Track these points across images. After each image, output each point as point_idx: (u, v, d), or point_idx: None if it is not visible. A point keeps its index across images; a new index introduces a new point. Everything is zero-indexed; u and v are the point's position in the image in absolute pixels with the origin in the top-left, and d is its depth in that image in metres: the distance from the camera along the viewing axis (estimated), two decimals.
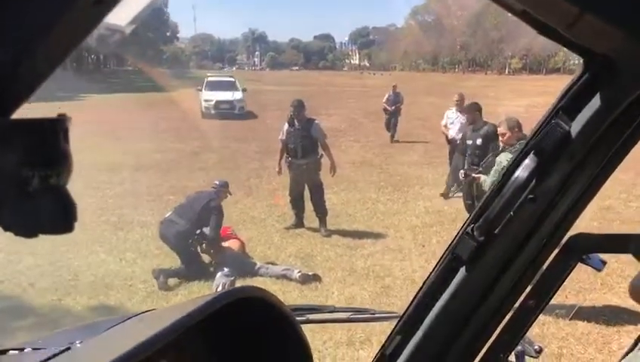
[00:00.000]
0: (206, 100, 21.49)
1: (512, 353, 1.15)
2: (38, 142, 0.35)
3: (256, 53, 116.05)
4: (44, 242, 6.58)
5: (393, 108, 15.42)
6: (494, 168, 5.20)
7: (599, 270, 1.06)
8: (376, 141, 15.50)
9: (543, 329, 4.54)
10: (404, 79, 38.51)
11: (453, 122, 9.33)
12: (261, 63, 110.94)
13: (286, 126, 7.51)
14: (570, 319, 4.75)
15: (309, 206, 7.57)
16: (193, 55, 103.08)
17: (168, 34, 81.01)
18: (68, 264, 6.10)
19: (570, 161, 0.92)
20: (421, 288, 1.12)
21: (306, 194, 7.57)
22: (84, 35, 0.38)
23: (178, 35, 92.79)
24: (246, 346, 0.97)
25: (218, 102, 21.26)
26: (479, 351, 1.13)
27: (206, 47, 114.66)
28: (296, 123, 7.40)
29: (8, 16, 0.34)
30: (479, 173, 5.90)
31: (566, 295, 5.11)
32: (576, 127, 0.88)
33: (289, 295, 5.36)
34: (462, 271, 1.05)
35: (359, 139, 15.82)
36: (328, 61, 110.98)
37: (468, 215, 1.05)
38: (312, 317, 1.37)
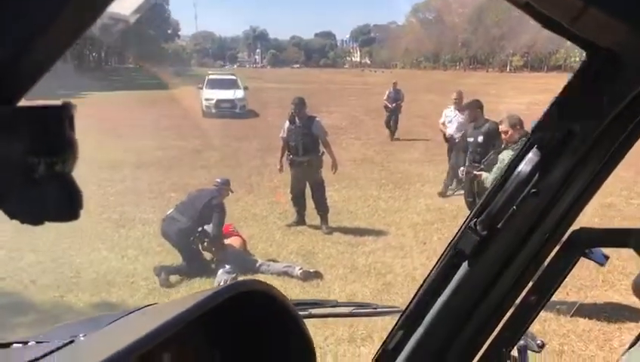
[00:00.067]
0: (207, 99, 21.04)
1: (515, 347, 1.15)
2: (43, 129, 0.35)
3: (257, 50, 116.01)
4: (46, 239, 6.61)
5: (394, 105, 15.41)
6: (497, 166, 5.20)
7: (602, 264, 1.06)
8: (377, 138, 15.49)
9: (544, 326, 4.55)
10: (405, 77, 38.44)
11: (452, 120, 9.31)
12: (262, 61, 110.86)
13: (287, 123, 7.50)
14: (572, 316, 4.75)
15: (310, 203, 7.57)
16: (194, 53, 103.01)
17: (169, 31, 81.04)
18: (70, 261, 6.11)
19: (572, 156, 0.92)
20: (423, 283, 1.12)
21: (308, 191, 7.57)
22: (88, 24, 0.38)
23: (179, 33, 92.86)
24: (248, 340, 0.97)
25: (219, 101, 20.80)
26: (482, 346, 1.14)
27: (207, 45, 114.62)
28: (297, 120, 7.39)
29: (11, 5, 0.34)
30: (480, 170, 5.89)
31: (567, 292, 5.12)
32: (579, 120, 0.88)
33: (290, 292, 5.36)
34: (464, 265, 1.05)
35: (360, 137, 15.82)
36: (329, 59, 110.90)
37: (469, 212, 1.05)
38: (314, 311, 1.37)
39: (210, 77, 23.35)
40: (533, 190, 0.93)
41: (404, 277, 5.77)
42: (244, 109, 21.21)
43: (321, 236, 7.20)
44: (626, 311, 4.94)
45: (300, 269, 5.81)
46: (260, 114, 20.90)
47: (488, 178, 5.42)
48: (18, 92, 0.36)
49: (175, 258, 6.03)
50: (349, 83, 41.54)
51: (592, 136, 0.89)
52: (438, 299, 1.09)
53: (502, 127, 5.36)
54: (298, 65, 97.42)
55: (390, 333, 1.16)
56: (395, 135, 15.52)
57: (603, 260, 1.06)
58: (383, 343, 1.16)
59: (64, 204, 0.37)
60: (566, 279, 1.08)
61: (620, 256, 5.80)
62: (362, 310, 1.53)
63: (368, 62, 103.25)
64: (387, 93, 15.74)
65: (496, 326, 1.12)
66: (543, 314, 4.46)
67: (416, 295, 1.13)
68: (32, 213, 0.36)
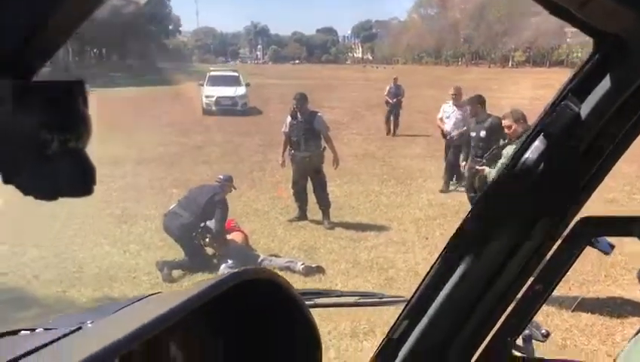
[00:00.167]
0: (207, 96, 20.47)
1: (520, 337, 1.16)
2: (57, 105, 0.35)
3: (259, 46, 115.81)
4: (49, 234, 6.63)
5: (394, 100, 15.39)
6: (500, 161, 5.19)
7: (607, 253, 1.06)
8: (379, 134, 15.48)
9: (547, 321, 4.54)
10: (406, 72, 38.36)
11: (450, 116, 9.30)
12: (264, 57, 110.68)
13: (289, 119, 7.51)
14: (574, 310, 4.75)
15: (312, 198, 7.58)
16: (196, 49, 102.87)
17: (171, 27, 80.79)
18: (72, 256, 6.13)
19: (579, 143, 0.92)
20: (429, 272, 1.12)
21: (309, 186, 7.57)
22: (100, 0, 0.38)
23: (180, 29, 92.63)
24: (253, 328, 0.97)
25: (219, 98, 20.33)
26: (487, 335, 1.14)
27: (208, 41, 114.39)
28: (299, 116, 7.39)
29: None
30: (483, 165, 5.89)
31: (570, 287, 5.12)
32: (585, 108, 0.88)
33: None
34: (470, 254, 1.04)
35: (362, 132, 15.80)
36: (331, 54, 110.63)
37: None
38: (319, 301, 1.37)
39: (212, 74, 22.90)
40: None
41: (406, 272, 5.77)
42: (246, 107, 20.79)
43: (323, 231, 7.20)
44: (629, 305, 4.95)
45: (303, 264, 5.81)
46: (261, 110, 20.81)
47: (491, 173, 5.41)
48: (33, 68, 0.36)
49: (177, 253, 6.05)
50: (351, 79, 41.47)
51: (598, 124, 0.89)
52: (444, 289, 1.09)
53: (505, 122, 5.35)
54: (297, 62, 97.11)
55: (395, 323, 1.16)
56: (397, 131, 15.50)
57: (608, 249, 1.06)
58: (388, 333, 1.16)
59: (78, 179, 0.37)
60: (569, 274, 1.08)
61: (622, 251, 5.80)
62: (367, 300, 1.53)
63: (370, 58, 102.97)
64: (388, 88, 15.72)
65: (502, 315, 1.12)
66: (545, 308, 4.47)
67: (421, 284, 1.13)
68: (45, 189, 0.36)
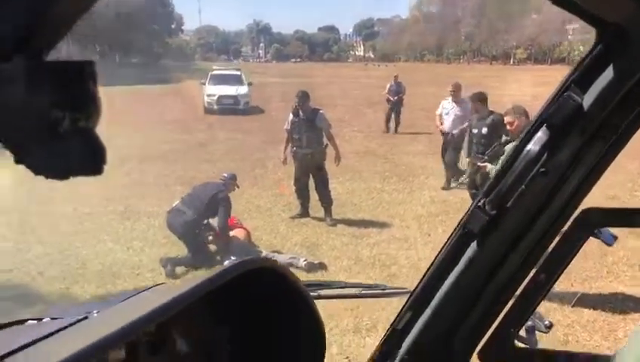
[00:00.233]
0: (208, 95, 20.20)
1: (523, 328, 1.16)
2: (68, 84, 0.35)
3: (261, 45, 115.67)
4: (53, 231, 6.65)
5: (396, 98, 15.36)
6: (502, 157, 5.19)
7: (610, 244, 1.07)
8: (380, 131, 15.49)
9: (549, 316, 4.53)
10: (408, 70, 38.32)
11: (449, 112, 9.30)
12: (266, 55, 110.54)
13: (291, 116, 7.51)
14: (576, 306, 4.75)
15: (314, 195, 7.58)
16: (198, 47, 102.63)
17: (173, 26, 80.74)
18: (76, 253, 6.14)
19: (582, 134, 0.92)
20: (432, 263, 1.13)
21: (311, 184, 7.58)
22: None
23: (183, 28, 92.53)
24: (258, 318, 0.97)
25: (221, 97, 20.06)
26: (490, 326, 1.14)
27: (211, 39, 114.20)
28: (300, 113, 7.39)
29: None
30: (485, 161, 5.89)
31: (571, 283, 5.12)
32: (588, 99, 0.88)
33: None
34: (473, 245, 1.05)
35: (363, 130, 15.79)
36: (333, 53, 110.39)
37: None
38: (322, 292, 1.37)
39: (214, 72, 22.59)
40: (542, 169, 0.94)
41: (408, 269, 5.78)
42: (247, 106, 20.52)
43: (325, 228, 7.21)
44: (631, 301, 4.95)
45: (305, 261, 5.83)
46: (263, 109, 20.72)
47: (493, 170, 5.41)
48: (46, 46, 0.37)
49: (180, 250, 6.06)
50: (353, 77, 41.40)
51: (601, 115, 0.90)
52: (447, 279, 1.10)
53: (507, 118, 5.34)
54: (297, 60, 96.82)
55: (399, 314, 1.17)
56: (398, 128, 15.48)
57: (611, 240, 1.06)
58: (392, 323, 1.17)
59: (88, 158, 0.37)
60: (570, 270, 1.09)
61: (624, 247, 5.81)
62: (370, 291, 1.53)
63: (372, 56, 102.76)
64: (388, 86, 15.68)
65: (505, 306, 1.13)
66: (547, 304, 4.48)
67: (425, 275, 1.14)
68: (57, 168, 0.37)
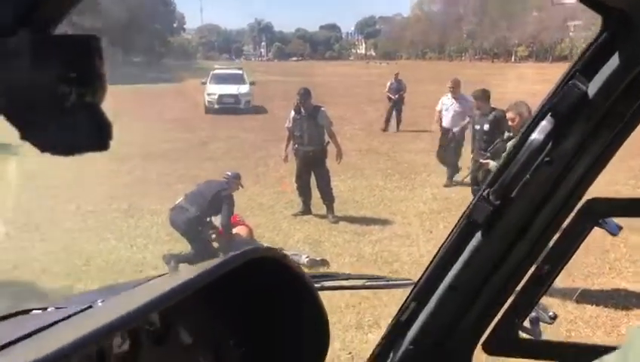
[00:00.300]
0: (209, 94, 19.80)
1: (527, 319, 1.16)
2: (74, 58, 0.35)
3: (263, 43, 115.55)
4: (57, 228, 6.67)
5: (396, 96, 15.30)
6: (504, 154, 5.18)
7: (614, 235, 1.06)
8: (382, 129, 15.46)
9: None
10: (410, 68, 38.23)
11: (448, 108, 9.30)
12: (267, 54, 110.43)
13: (292, 113, 7.51)
14: (579, 303, 4.74)
15: (316, 193, 7.58)
16: (200, 46, 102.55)
17: (175, 25, 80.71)
18: (80, 250, 6.16)
19: (587, 123, 0.92)
20: (436, 254, 1.13)
21: (313, 181, 7.57)
22: None
23: (185, 26, 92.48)
24: (260, 308, 0.97)
25: (222, 96, 19.70)
26: (494, 317, 1.14)
27: (212, 38, 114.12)
28: (302, 110, 7.39)
29: None
30: (487, 158, 5.88)
31: (573, 279, 5.11)
32: (593, 87, 0.88)
33: None
34: (477, 236, 1.05)
35: (365, 127, 15.77)
36: (335, 51, 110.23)
37: None
38: (326, 284, 1.37)
39: (216, 72, 22.31)
40: (547, 159, 0.93)
41: (410, 265, 5.77)
42: (249, 105, 20.13)
43: (327, 225, 7.21)
44: (633, 297, 4.94)
45: (307, 257, 5.83)
46: (265, 107, 20.60)
47: (495, 167, 5.40)
48: (50, 20, 0.37)
49: (183, 247, 6.07)
50: (354, 75, 41.37)
51: (606, 103, 0.89)
52: (451, 270, 1.10)
53: (509, 114, 5.34)
54: (297, 59, 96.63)
55: (403, 305, 1.17)
56: (400, 126, 15.44)
57: (616, 230, 1.06)
58: (396, 315, 1.17)
59: (94, 134, 0.37)
60: (573, 266, 1.08)
61: (627, 243, 5.80)
62: (375, 282, 1.53)
63: (373, 54, 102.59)
64: (388, 84, 15.62)
65: (510, 296, 1.12)
66: (550, 300, 4.47)
67: (428, 266, 1.14)
68: (62, 144, 0.36)
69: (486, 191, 1.01)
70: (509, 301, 1.13)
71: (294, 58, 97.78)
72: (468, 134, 8.75)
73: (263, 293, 0.95)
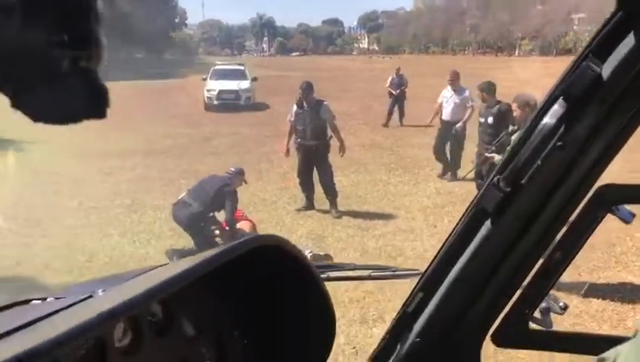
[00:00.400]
0: (208, 90, 19.41)
1: (537, 309, 1.13)
2: (68, 20, 0.32)
3: (265, 38, 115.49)
4: (59, 224, 6.67)
5: (398, 91, 15.23)
6: (509, 148, 5.15)
7: (628, 222, 1.03)
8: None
9: None
10: (413, 62, 38.18)
11: (448, 101, 9.27)
12: (270, 49, 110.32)
13: (295, 108, 7.47)
14: (585, 296, 4.72)
15: (319, 188, 7.56)
16: (202, 41, 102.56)
17: (177, 20, 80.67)
18: (82, 246, 6.16)
19: (600, 106, 0.89)
20: (444, 243, 1.10)
21: (316, 176, 7.55)
22: None
23: (187, 22, 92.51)
24: (265, 297, 0.95)
25: (221, 92, 19.11)
26: (504, 307, 1.12)
27: (214, 34, 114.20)
28: (305, 105, 7.35)
29: None
30: (492, 152, 5.84)
31: (579, 273, 5.08)
32: (607, 69, 0.85)
33: None
34: (487, 223, 1.02)
35: (368, 122, 15.75)
36: (337, 46, 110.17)
37: None
38: (332, 274, 1.35)
39: (217, 67, 21.90)
40: (559, 143, 0.90)
41: (414, 260, 5.75)
42: (249, 101, 19.60)
43: (330, 220, 7.19)
44: None
45: (310, 252, 5.74)
46: (267, 103, 20.50)
47: (500, 161, 5.37)
48: None
49: (186, 242, 6.08)
50: (357, 69, 41.32)
51: (621, 86, 0.87)
52: (460, 260, 1.07)
53: (515, 107, 5.30)
54: (298, 54, 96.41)
55: (410, 296, 1.14)
56: (403, 120, 15.38)
57: (629, 218, 1.03)
58: (404, 305, 1.15)
59: (90, 101, 0.34)
60: (579, 260, 1.05)
61: (633, 237, 5.77)
62: (381, 273, 1.50)
63: (376, 48, 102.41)
64: (389, 80, 15.55)
65: (519, 286, 1.10)
66: (556, 294, 4.45)
67: (436, 256, 1.11)
68: (56, 112, 0.34)
69: (496, 178, 0.98)
70: (520, 291, 1.11)
71: (297, 53, 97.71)
72: (467, 134, 8.77)
73: (267, 283, 0.93)
